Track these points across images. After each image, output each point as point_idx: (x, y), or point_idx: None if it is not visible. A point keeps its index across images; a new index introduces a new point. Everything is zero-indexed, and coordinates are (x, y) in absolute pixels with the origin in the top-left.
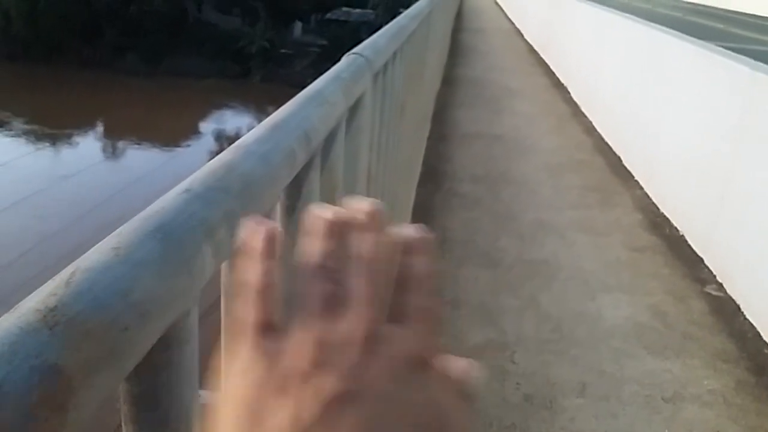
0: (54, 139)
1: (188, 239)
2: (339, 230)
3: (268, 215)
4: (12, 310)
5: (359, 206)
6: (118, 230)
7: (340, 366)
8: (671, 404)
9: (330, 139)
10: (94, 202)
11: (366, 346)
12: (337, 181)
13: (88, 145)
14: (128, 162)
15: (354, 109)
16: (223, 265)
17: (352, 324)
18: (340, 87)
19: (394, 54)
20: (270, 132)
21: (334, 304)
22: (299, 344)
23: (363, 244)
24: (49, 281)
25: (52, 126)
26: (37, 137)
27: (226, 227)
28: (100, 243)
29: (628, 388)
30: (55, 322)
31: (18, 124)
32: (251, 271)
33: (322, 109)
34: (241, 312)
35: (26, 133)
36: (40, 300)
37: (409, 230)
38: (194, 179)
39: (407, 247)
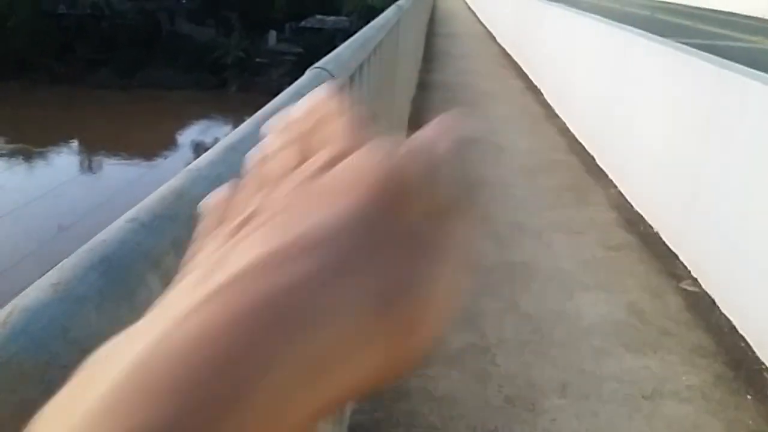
0: (29, 156)
1: (132, 270)
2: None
3: None
4: None
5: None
6: (59, 264)
7: (244, 212)
8: (650, 401)
9: None
10: (73, 218)
11: (290, 180)
12: None
13: (64, 161)
14: (106, 176)
15: None
16: None
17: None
18: None
19: (361, 66)
20: (223, 154)
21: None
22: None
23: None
24: None
25: (25, 142)
26: (11, 154)
27: (174, 255)
28: (39, 279)
29: (608, 387)
30: None
31: None
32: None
33: None
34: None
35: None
36: None
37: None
38: (141, 207)
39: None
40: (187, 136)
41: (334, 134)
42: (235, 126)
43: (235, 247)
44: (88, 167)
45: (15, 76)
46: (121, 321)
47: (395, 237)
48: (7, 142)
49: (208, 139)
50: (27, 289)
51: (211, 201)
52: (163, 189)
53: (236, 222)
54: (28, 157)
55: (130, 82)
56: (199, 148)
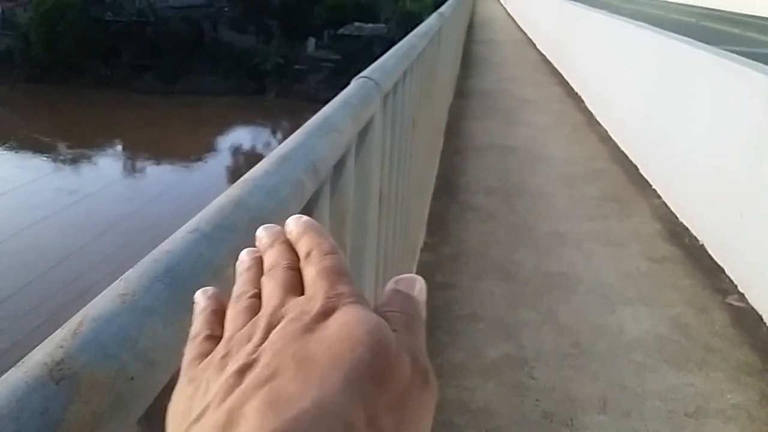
0: (75, 158)
1: (195, 282)
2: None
3: None
4: (19, 364)
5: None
6: (125, 275)
7: (244, 350)
8: (694, 419)
9: (339, 165)
10: (125, 212)
11: (269, 326)
12: (347, 206)
13: (110, 163)
14: (150, 178)
15: (363, 133)
16: None
17: (258, 315)
18: (349, 113)
19: (404, 74)
20: (277, 165)
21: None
22: (213, 347)
23: (270, 255)
24: (57, 331)
25: (71, 144)
26: (57, 156)
27: (234, 266)
28: (107, 289)
29: (650, 404)
30: (62, 375)
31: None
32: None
33: (329, 138)
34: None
35: (49, 152)
36: (47, 353)
37: (288, 222)
38: (201, 218)
39: (294, 237)
40: (227, 140)
41: (319, 275)
42: (274, 131)
43: (241, 407)
44: (133, 169)
45: (62, 79)
46: (185, 333)
47: (377, 415)
48: (69, 147)
49: (246, 144)
50: (95, 299)
51: (204, 303)
52: (221, 199)
53: (238, 365)
54: (81, 159)
55: (172, 88)
56: (237, 153)
